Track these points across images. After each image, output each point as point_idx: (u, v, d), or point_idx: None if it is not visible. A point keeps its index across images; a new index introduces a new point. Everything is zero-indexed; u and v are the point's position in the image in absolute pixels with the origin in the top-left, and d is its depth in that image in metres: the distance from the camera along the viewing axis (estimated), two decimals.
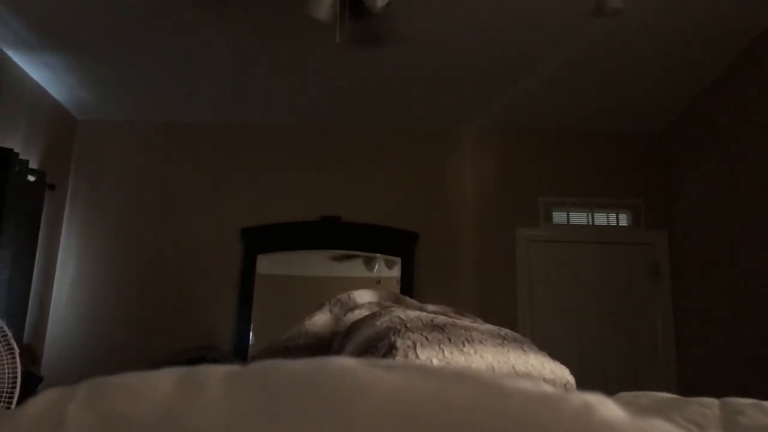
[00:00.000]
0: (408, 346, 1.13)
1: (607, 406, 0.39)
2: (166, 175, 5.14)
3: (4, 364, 2.84)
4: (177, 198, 5.09)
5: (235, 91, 4.70)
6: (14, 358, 2.88)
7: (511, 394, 0.39)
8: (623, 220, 5.09)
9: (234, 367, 0.45)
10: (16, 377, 2.87)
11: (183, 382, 0.43)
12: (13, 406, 2.78)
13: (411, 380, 0.40)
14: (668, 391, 1.60)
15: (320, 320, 1.48)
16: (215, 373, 0.44)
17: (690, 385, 4.42)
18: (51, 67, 4.38)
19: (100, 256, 4.98)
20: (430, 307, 1.59)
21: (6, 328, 2.87)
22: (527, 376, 1.21)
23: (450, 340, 1.17)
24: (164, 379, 0.44)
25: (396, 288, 4.78)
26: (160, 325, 4.77)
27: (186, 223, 5.03)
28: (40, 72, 4.45)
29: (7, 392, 2.82)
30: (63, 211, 5.03)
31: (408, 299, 1.73)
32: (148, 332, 4.75)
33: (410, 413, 0.37)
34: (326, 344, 1.41)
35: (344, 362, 0.43)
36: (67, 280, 4.93)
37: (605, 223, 5.08)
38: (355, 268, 5.05)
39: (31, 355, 4.21)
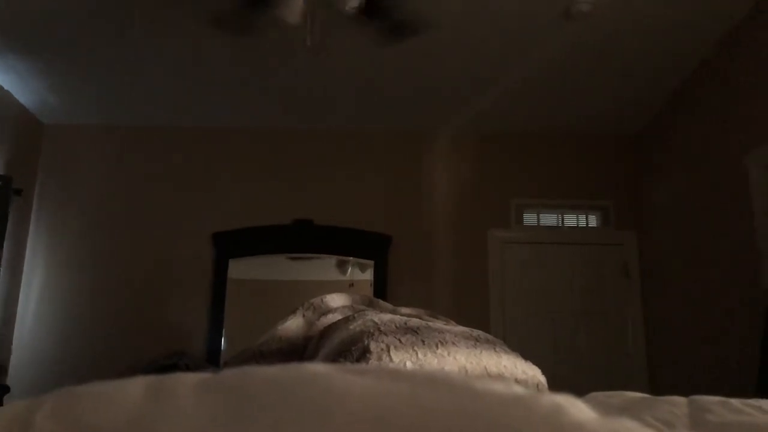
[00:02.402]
0: (381, 349, 1.13)
1: (577, 407, 0.39)
2: (136, 180, 5.07)
3: None
4: (147, 203, 5.02)
5: (204, 94, 4.67)
6: None
7: (483, 396, 0.39)
8: (593, 221, 5.15)
9: (206, 375, 0.45)
10: None
11: (153, 390, 0.43)
12: None
13: (384, 384, 0.40)
14: (640, 389, 1.62)
15: (293, 325, 1.48)
16: (186, 380, 0.44)
17: (661, 384, 4.49)
18: (16, 71, 4.30)
19: (68, 263, 4.89)
20: (404, 309, 1.59)
21: None
22: (500, 377, 1.22)
23: (423, 342, 1.17)
24: (134, 388, 0.43)
25: (369, 291, 4.77)
26: (130, 333, 4.70)
27: (156, 228, 4.96)
28: (4, 75, 4.36)
29: None
30: (30, 216, 4.94)
31: (381, 302, 1.73)
32: (119, 340, 4.67)
33: (383, 417, 0.37)
34: (299, 349, 1.41)
35: (317, 368, 0.43)
36: (34, 287, 4.84)
37: (575, 225, 5.14)
38: (327, 271, 5.03)
39: None
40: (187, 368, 4.00)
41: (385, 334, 1.17)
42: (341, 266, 5.02)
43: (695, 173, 4.17)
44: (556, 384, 1.22)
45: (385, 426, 0.37)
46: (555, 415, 0.38)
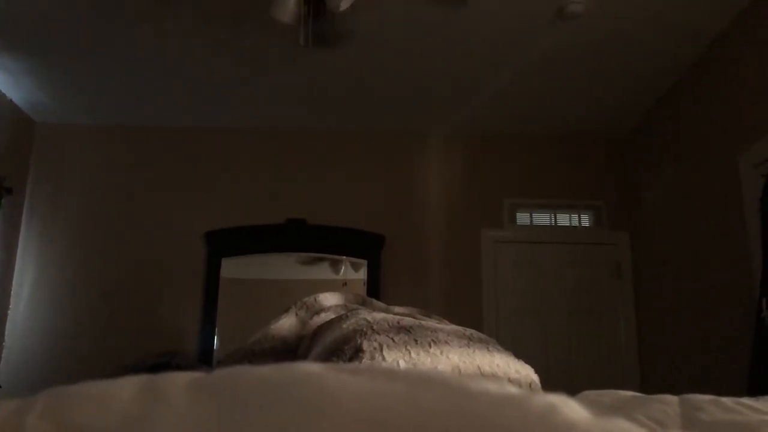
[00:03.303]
0: (374, 348, 1.13)
1: (570, 407, 0.39)
2: (128, 179, 5.05)
3: None
4: (139, 202, 5.01)
5: (197, 93, 4.65)
6: None
7: (478, 396, 0.39)
8: (585, 221, 5.17)
9: (198, 375, 0.45)
10: None
11: (146, 390, 0.43)
12: None
13: (377, 384, 0.40)
14: (631, 388, 1.63)
15: (286, 324, 1.47)
16: (179, 380, 0.44)
17: (652, 383, 4.50)
18: (7, 69, 4.28)
19: (59, 261, 4.87)
20: (397, 308, 1.59)
21: None
22: (493, 376, 1.22)
23: (416, 341, 1.17)
24: (126, 388, 0.43)
25: (362, 290, 4.77)
26: (123, 332, 4.69)
27: (149, 227, 4.95)
28: None
29: None
30: (21, 215, 4.91)
31: (374, 301, 1.73)
32: (111, 339, 4.66)
33: (377, 418, 0.37)
34: (292, 348, 1.40)
35: (310, 367, 0.43)
36: (25, 286, 4.82)
37: (568, 224, 5.16)
38: (321, 270, 5.03)
39: None
40: (179, 367, 3.99)
41: (378, 333, 1.17)
42: (334, 265, 5.02)
43: (687, 173, 4.19)
44: (548, 383, 1.22)
45: (380, 426, 0.37)
46: (548, 415, 0.38)
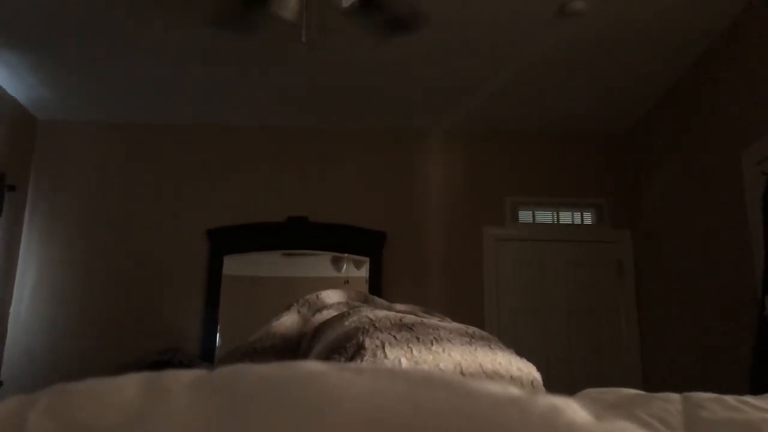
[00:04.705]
0: (376, 346, 1.13)
1: (573, 408, 0.39)
2: (130, 176, 5.06)
3: None
4: (142, 199, 5.01)
5: (199, 91, 4.65)
6: None
7: (480, 397, 0.39)
8: (588, 219, 5.16)
9: (200, 372, 0.45)
10: None
11: (148, 388, 0.43)
12: None
13: (380, 384, 0.40)
14: (633, 386, 1.62)
15: (288, 321, 1.47)
16: (181, 378, 0.44)
17: (654, 381, 4.50)
18: (10, 66, 4.28)
19: (62, 259, 4.88)
20: (399, 306, 1.59)
21: None
22: (495, 374, 1.22)
23: (418, 339, 1.17)
24: (128, 386, 0.43)
25: (364, 288, 4.77)
26: (125, 329, 4.70)
27: (151, 225, 4.96)
28: None
29: None
30: (23, 213, 4.92)
31: (376, 299, 1.73)
32: (113, 336, 4.67)
33: (380, 418, 0.37)
34: (294, 345, 1.40)
35: (313, 366, 0.43)
36: (28, 283, 4.82)
37: (570, 222, 5.15)
38: (323, 268, 5.03)
39: None
40: (181, 365, 3.99)
41: (380, 331, 1.17)
42: (336, 263, 5.02)
43: (689, 171, 4.18)
44: (549, 381, 1.22)
45: (381, 426, 0.37)
46: (550, 417, 0.38)
